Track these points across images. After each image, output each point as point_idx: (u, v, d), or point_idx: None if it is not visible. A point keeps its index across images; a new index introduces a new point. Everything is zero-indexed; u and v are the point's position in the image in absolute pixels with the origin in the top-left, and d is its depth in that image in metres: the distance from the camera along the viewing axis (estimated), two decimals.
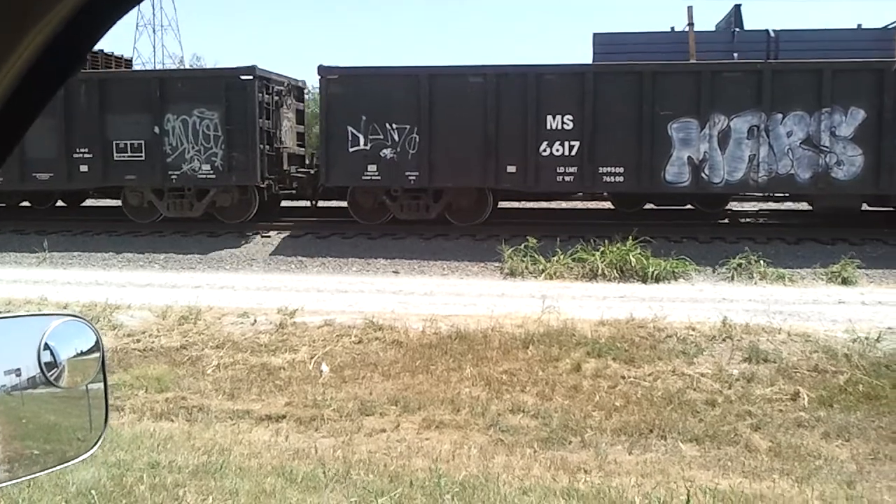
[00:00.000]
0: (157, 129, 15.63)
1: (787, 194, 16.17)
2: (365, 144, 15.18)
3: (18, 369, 1.41)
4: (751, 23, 19.71)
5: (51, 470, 1.53)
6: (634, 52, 15.93)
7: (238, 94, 15.40)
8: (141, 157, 15.79)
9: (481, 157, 14.97)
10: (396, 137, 15.11)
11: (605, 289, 11.98)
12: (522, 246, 13.54)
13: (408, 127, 15.08)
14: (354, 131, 15.18)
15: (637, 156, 14.66)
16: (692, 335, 8.98)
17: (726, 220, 16.83)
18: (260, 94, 15.59)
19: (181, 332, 9.60)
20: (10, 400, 1.43)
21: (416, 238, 15.23)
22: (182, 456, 6.02)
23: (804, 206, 17.99)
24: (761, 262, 12.86)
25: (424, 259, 14.13)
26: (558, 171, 14.86)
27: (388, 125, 15.11)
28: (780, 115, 14.39)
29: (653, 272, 12.54)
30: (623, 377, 7.95)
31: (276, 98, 16.39)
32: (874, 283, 12.40)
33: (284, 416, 7.21)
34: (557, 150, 14.81)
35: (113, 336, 9.38)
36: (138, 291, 11.70)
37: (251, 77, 15.38)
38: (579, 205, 18.34)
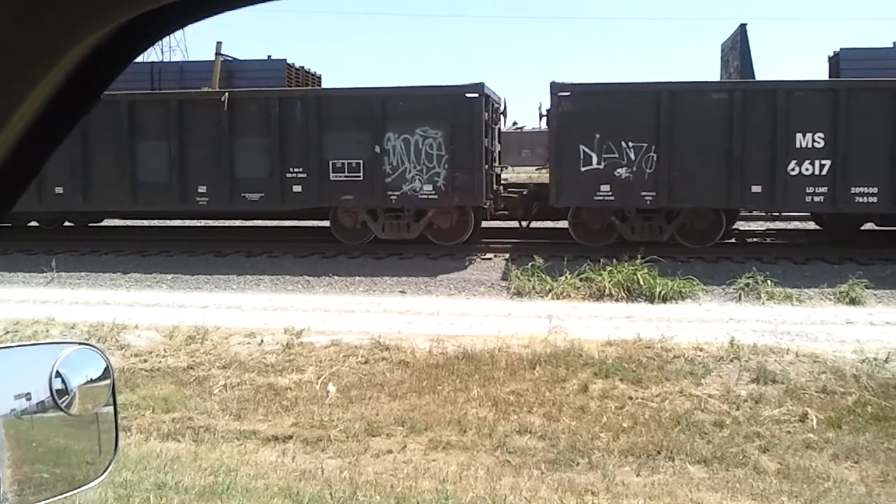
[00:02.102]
0: (377, 149, 15.19)
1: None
2: (598, 163, 14.67)
3: (28, 394, 1.43)
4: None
5: (62, 495, 1.54)
6: (883, 69, 15.12)
7: (464, 113, 14.98)
8: (359, 176, 15.30)
9: (724, 177, 14.42)
10: (632, 156, 14.58)
11: (612, 309, 11.95)
12: (529, 266, 13.54)
13: (645, 145, 14.54)
14: (587, 150, 14.68)
15: (892, 175, 14.09)
16: (700, 356, 8.95)
17: (733, 240, 16.80)
18: (485, 113, 15.23)
19: (188, 351, 9.60)
20: (21, 424, 1.45)
21: (422, 258, 15.23)
22: (189, 477, 6.02)
23: (812, 225, 17.99)
24: (769, 281, 12.81)
25: (431, 278, 14.13)
26: (807, 190, 14.32)
27: (623, 143, 14.59)
28: None
29: (660, 292, 12.49)
30: (630, 398, 7.92)
31: (493, 116, 16.01)
32: (882, 303, 12.34)
33: (291, 437, 7.19)
34: (807, 170, 14.23)
35: (120, 356, 9.39)
36: (146, 311, 11.73)
37: (478, 95, 14.97)
38: None
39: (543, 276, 13.26)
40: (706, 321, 10.99)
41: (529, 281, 13.22)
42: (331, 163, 15.37)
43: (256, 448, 6.99)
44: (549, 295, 12.83)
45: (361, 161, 15.28)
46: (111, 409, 1.58)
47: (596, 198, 14.79)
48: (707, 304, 12.48)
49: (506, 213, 17.25)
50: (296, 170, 15.50)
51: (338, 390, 8.33)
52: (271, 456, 6.78)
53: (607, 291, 12.69)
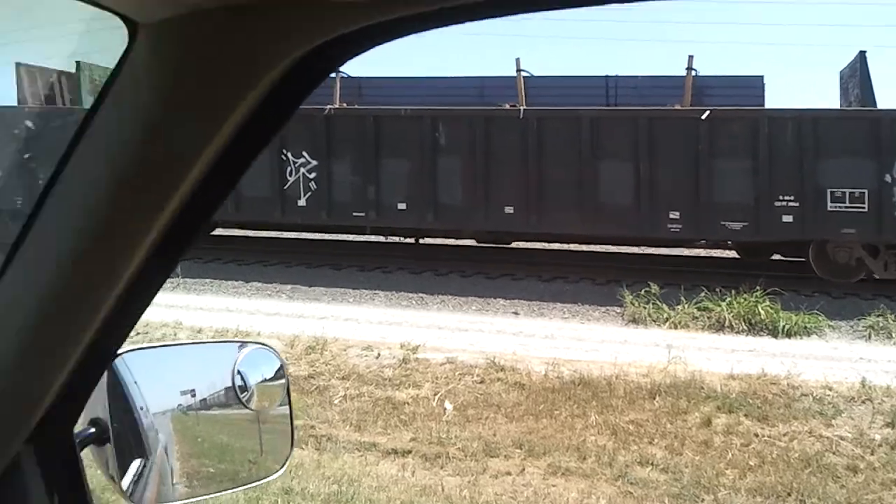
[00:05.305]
0: (888, 178, 13.54)
1: None
2: None
3: (193, 390, 1.48)
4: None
5: (232, 490, 1.59)
6: None
7: None
8: (863, 207, 13.64)
9: None
10: None
11: (732, 341, 11.58)
12: (643, 292, 13.27)
13: None
14: None
15: None
16: (829, 395, 8.59)
17: (862, 276, 15.98)
18: None
19: (308, 361, 9.83)
20: (186, 419, 1.51)
21: (534, 279, 15.15)
22: (313, 484, 6.16)
23: None
24: None
25: (544, 301, 14.03)
26: None
27: None
28: None
29: (784, 326, 12.03)
30: (756, 435, 7.66)
31: None
32: None
33: (410, 452, 7.27)
34: None
35: None
36: (267, 320, 12.06)
37: None
38: (702, 252, 17.83)
39: (660, 303, 12.98)
40: (834, 359, 10.52)
41: (644, 308, 12.96)
42: (829, 191, 13.81)
43: (377, 460, 7.09)
44: (667, 324, 12.55)
45: (866, 191, 13.68)
46: (286, 408, 1.63)
47: None
48: (834, 341, 11.95)
49: None
50: (786, 198, 13.99)
51: (454, 408, 8.37)
52: (391, 469, 6.87)
53: (727, 323, 12.31)
